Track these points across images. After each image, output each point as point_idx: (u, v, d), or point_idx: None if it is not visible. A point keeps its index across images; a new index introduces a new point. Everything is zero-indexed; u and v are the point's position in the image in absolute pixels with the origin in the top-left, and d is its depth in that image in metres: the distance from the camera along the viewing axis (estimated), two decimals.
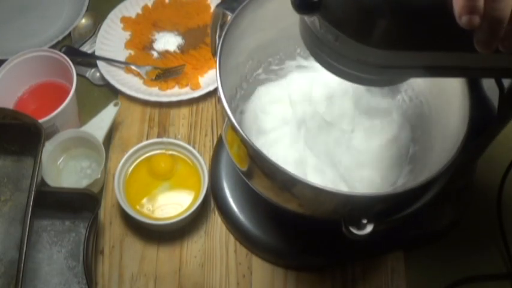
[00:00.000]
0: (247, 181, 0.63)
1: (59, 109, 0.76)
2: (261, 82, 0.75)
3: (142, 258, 0.75)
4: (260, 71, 0.74)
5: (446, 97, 0.63)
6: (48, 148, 0.76)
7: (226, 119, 0.56)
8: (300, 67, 0.76)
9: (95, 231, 0.72)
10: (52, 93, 0.84)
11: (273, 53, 0.74)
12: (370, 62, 0.43)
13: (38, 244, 0.73)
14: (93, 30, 0.95)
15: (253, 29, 0.66)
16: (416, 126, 0.71)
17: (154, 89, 0.89)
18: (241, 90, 0.73)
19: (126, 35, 0.95)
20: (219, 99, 0.57)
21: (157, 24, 0.96)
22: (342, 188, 0.66)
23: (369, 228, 0.52)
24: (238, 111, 0.72)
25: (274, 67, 0.75)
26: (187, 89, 0.89)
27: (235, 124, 0.54)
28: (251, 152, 0.55)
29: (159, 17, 0.97)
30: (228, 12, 0.64)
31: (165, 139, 0.80)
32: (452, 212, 0.77)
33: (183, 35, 0.95)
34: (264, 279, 0.74)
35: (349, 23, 0.41)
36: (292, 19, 0.51)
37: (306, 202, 0.60)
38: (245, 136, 0.54)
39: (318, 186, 0.53)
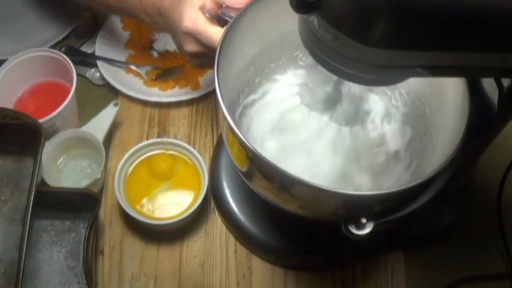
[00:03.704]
0: (247, 182, 0.63)
1: (59, 109, 0.76)
2: (264, 87, 0.75)
3: (143, 258, 0.76)
4: (262, 76, 0.74)
5: (446, 97, 0.63)
6: (48, 148, 0.76)
7: (226, 121, 0.56)
8: (300, 71, 0.76)
9: (95, 231, 0.72)
10: (52, 93, 0.84)
11: (275, 58, 0.74)
12: (369, 61, 0.43)
13: (38, 244, 0.73)
14: (93, 30, 0.95)
15: (254, 35, 0.66)
16: (418, 126, 0.71)
17: (155, 89, 0.89)
18: (244, 95, 0.73)
19: (126, 35, 0.95)
20: (217, 102, 0.57)
21: None
22: (341, 187, 0.66)
23: (369, 228, 0.52)
24: (240, 115, 0.72)
25: (276, 73, 0.75)
26: (187, 89, 0.89)
27: (234, 126, 0.54)
28: (250, 155, 0.55)
29: None
30: (228, 19, 0.64)
31: (165, 139, 0.80)
32: (452, 212, 0.77)
33: None
34: (264, 279, 0.74)
35: (348, 22, 0.41)
36: (292, 24, 0.51)
37: (305, 203, 0.60)
38: (243, 138, 0.54)
39: (317, 185, 0.53)
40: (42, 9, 0.98)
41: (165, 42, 0.94)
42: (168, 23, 0.72)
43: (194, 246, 0.77)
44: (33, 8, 0.98)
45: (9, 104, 0.83)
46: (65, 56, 0.81)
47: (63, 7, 0.98)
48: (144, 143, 0.79)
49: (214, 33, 0.66)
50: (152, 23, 0.75)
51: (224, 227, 0.78)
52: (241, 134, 0.54)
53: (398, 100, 0.73)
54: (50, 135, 0.77)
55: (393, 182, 0.68)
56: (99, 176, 0.76)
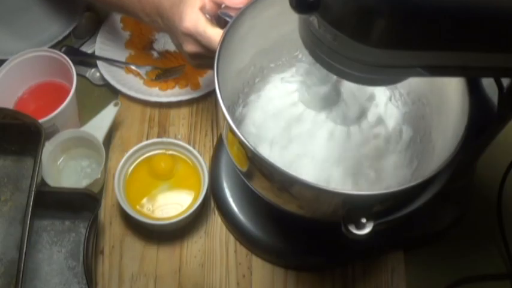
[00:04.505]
0: (247, 182, 0.63)
1: (59, 109, 0.76)
2: (264, 87, 0.75)
3: (142, 258, 0.76)
4: (262, 76, 0.74)
5: (446, 97, 0.63)
6: (48, 148, 0.76)
7: (226, 121, 0.56)
8: (301, 71, 0.76)
9: (95, 231, 0.72)
10: (52, 93, 0.84)
11: (275, 58, 0.74)
12: (369, 61, 0.43)
13: (38, 244, 0.73)
14: (93, 30, 0.95)
15: (253, 35, 0.66)
16: (418, 127, 0.71)
17: (155, 89, 0.89)
18: (244, 95, 0.73)
19: (126, 35, 0.95)
20: (217, 102, 0.57)
21: None
22: (341, 187, 0.66)
23: (369, 228, 0.52)
24: (240, 114, 0.72)
25: (276, 72, 0.75)
26: (187, 89, 0.89)
27: (234, 126, 0.54)
28: (250, 155, 0.55)
29: None
30: (227, 18, 0.64)
31: (165, 139, 0.80)
32: (452, 212, 0.77)
33: None
34: (264, 279, 0.74)
35: (348, 22, 0.41)
36: (292, 24, 0.51)
37: (305, 203, 0.60)
38: (243, 138, 0.54)
39: (317, 185, 0.53)
40: (42, 8, 0.98)
41: (165, 42, 0.94)
42: (167, 24, 0.72)
43: (194, 246, 0.77)
44: (33, 7, 0.98)
45: (9, 104, 0.83)
46: (65, 56, 0.81)
47: (64, 6, 0.98)
48: (144, 143, 0.79)
49: (214, 34, 0.66)
50: (151, 22, 0.75)
51: (224, 227, 0.78)
52: (241, 134, 0.54)
53: (398, 100, 0.73)
54: (50, 135, 0.77)
55: (393, 182, 0.68)
56: (99, 176, 0.76)
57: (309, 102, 0.72)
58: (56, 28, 0.96)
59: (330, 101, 0.72)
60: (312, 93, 0.73)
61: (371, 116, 0.73)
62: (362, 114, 0.73)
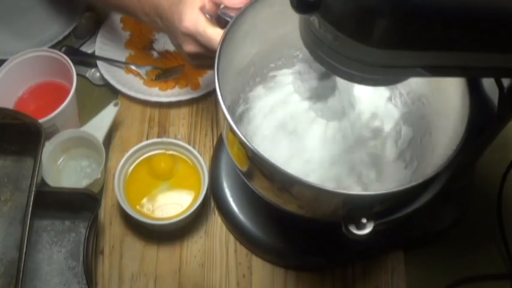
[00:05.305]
0: (247, 182, 0.63)
1: (59, 109, 0.76)
2: (264, 87, 0.75)
3: (142, 258, 0.75)
4: (262, 76, 0.74)
5: (446, 97, 0.63)
6: (48, 148, 0.76)
7: (226, 121, 0.56)
8: (301, 71, 0.76)
9: (95, 231, 0.72)
10: (52, 93, 0.84)
11: (275, 58, 0.74)
12: (369, 61, 0.43)
13: (38, 244, 0.73)
14: (93, 30, 0.95)
15: (253, 35, 0.66)
16: (418, 127, 0.71)
17: (155, 89, 0.89)
18: (244, 95, 0.73)
19: (126, 35, 0.95)
20: (218, 102, 0.57)
21: None
22: (341, 187, 0.66)
23: (369, 228, 0.52)
24: (240, 115, 0.72)
25: (276, 72, 0.75)
26: (187, 89, 0.89)
27: (234, 126, 0.54)
28: (250, 154, 0.55)
29: None
30: (227, 18, 0.64)
31: (165, 139, 0.80)
32: (453, 212, 0.77)
33: None
34: (264, 279, 0.74)
35: (348, 22, 0.41)
36: (292, 24, 0.51)
37: (305, 203, 0.60)
38: (243, 138, 0.54)
39: (317, 185, 0.53)
40: (43, 9, 0.98)
41: (165, 42, 0.94)
42: (166, 24, 0.72)
43: (194, 246, 0.77)
44: (33, 7, 0.98)
45: (9, 104, 0.83)
46: (65, 56, 0.81)
47: (64, 6, 0.97)
48: (144, 143, 0.79)
49: (214, 34, 0.66)
50: (150, 22, 0.75)
51: (224, 227, 0.78)
52: (241, 133, 0.54)
53: (398, 100, 0.73)
54: (50, 135, 0.77)
55: (393, 182, 0.68)
56: (99, 176, 0.76)
57: (304, 93, 0.71)
58: (56, 28, 0.96)
59: (326, 92, 0.71)
60: (307, 85, 0.72)
61: (369, 115, 0.73)
62: (361, 112, 0.73)
